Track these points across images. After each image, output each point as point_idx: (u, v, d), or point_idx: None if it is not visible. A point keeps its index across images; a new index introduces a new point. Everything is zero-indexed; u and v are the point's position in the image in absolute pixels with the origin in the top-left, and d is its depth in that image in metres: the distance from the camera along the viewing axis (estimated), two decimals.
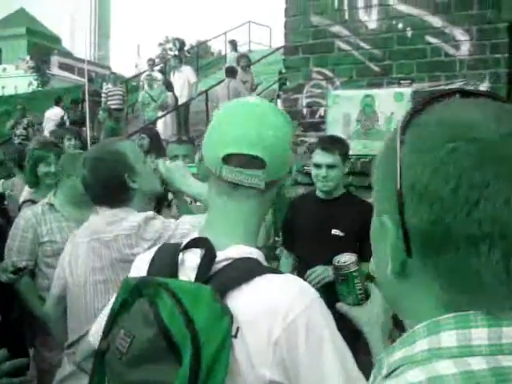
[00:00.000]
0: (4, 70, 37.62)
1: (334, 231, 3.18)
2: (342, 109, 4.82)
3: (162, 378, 1.10)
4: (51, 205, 3.39)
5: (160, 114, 12.13)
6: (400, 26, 4.60)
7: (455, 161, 0.67)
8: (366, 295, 1.56)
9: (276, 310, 1.14)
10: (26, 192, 4.29)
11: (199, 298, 1.12)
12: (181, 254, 1.29)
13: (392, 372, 0.72)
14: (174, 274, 1.26)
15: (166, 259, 1.32)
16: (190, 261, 1.27)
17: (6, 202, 3.98)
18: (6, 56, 39.13)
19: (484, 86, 4.33)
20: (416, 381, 0.66)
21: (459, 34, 4.41)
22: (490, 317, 0.69)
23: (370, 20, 4.72)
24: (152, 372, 1.12)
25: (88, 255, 2.29)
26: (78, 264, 2.34)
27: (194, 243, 1.29)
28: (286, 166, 1.35)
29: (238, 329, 1.12)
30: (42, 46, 36.60)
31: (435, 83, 4.49)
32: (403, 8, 4.58)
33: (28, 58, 33.90)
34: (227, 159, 1.26)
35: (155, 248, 1.44)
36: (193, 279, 1.21)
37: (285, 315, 1.13)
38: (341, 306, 1.49)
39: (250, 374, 1.13)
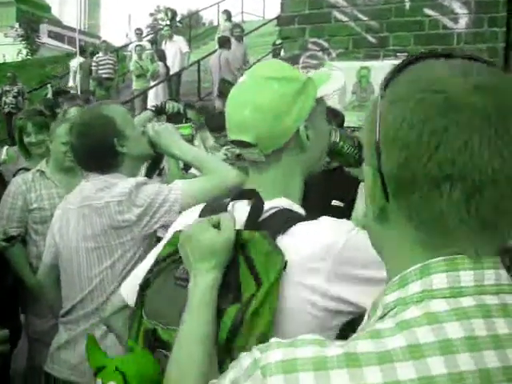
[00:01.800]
0: None
1: (335, 202, 3.16)
2: None
3: (220, 307, 1.20)
4: (42, 172, 3.35)
5: (152, 83, 12.03)
6: None
7: (421, 110, 0.75)
8: (359, 150, 1.62)
9: (322, 244, 1.23)
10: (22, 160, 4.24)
11: (254, 241, 1.23)
12: (230, 206, 1.39)
13: (387, 313, 0.78)
14: None
15: (214, 212, 1.38)
16: (239, 211, 1.35)
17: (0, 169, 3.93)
18: None
19: None
20: (412, 316, 0.74)
21: (457, 7, 4.37)
22: (473, 260, 0.77)
23: None
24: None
25: (79, 222, 2.26)
26: (68, 231, 2.31)
27: (242, 195, 1.40)
28: (281, 132, 1.35)
29: (286, 262, 1.20)
30: (31, 14, 36.01)
31: None
32: None
33: (17, 25, 33.43)
34: (232, 143, 1.44)
35: (199, 206, 1.51)
36: (242, 227, 1.30)
37: (331, 247, 1.22)
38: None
39: (300, 301, 1.22)
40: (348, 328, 1.35)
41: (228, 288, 1.22)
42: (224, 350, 1.17)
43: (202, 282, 1.21)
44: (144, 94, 12.15)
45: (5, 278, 3.19)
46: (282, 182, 1.39)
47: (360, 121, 4.64)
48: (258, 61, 14.15)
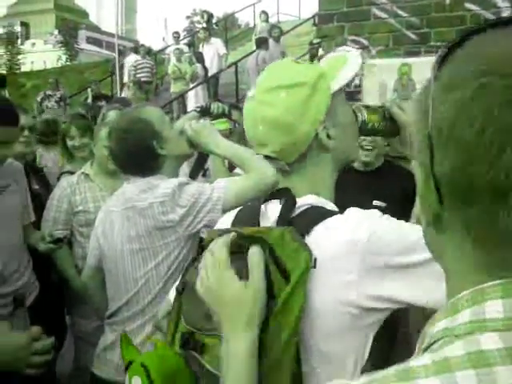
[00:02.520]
0: (33, 44, 37.83)
1: (376, 202, 3.13)
2: (378, 78, 4.72)
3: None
4: (86, 175, 3.40)
5: (190, 86, 12.13)
6: None
7: (482, 99, 0.60)
8: (385, 116, 1.56)
9: (349, 236, 1.21)
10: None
11: (282, 239, 1.21)
12: (263, 206, 1.39)
13: (431, 345, 0.65)
14: (257, 224, 1.35)
15: (249, 212, 1.43)
16: (272, 210, 1.36)
17: (44, 170, 4.02)
18: (34, 31, 39.36)
19: None
20: (456, 355, 0.59)
21: (499, 0, 4.27)
22: None
23: None
24: None
25: (123, 224, 2.29)
26: (113, 233, 2.34)
27: (275, 195, 1.39)
28: (300, 140, 1.33)
29: (315, 260, 1.19)
30: (69, 21, 36.69)
31: None
32: None
33: (56, 32, 34.06)
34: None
35: (237, 209, 1.52)
36: (274, 224, 1.30)
37: (359, 237, 1.20)
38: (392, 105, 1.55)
39: (331, 299, 1.20)
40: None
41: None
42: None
43: (236, 350, 1.11)
44: (182, 96, 12.24)
45: (50, 279, 3.24)
46: (311, 183, 1.38)
47: None
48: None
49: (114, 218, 2.34)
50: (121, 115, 2.51)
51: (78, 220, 3.28)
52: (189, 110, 11.42)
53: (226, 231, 1.32)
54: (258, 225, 1.35)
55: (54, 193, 3.36)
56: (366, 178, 3.25)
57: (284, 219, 1.29)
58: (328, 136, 1.33)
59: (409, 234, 1.20)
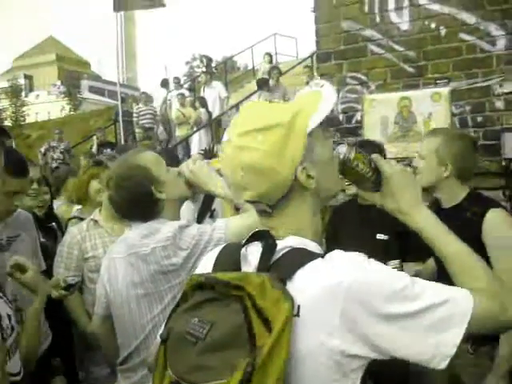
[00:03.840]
0: (37, 96, 38.38)
1: (379, 236, 3.12)
2: (378, 112, 4.80)
3: (233, 363, 1.14)
4: (95, 221, 3.42)
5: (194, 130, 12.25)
6: (433, 25, 4.58)
7: None
8: (377, 175, 1.51)
9: (333, 282, 1.20)
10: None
11: (263, 287, 1.19)
12: (243, 249, 1.37)
13: None
14: (238, 268, 1.33)
15: (230, 255, 1.40)
16: (252, 253, 1.35)
17: (53, 224, 4.03)
18: (37, 83, 39.98)
19: None
20: None
21: (494, 29, 4.37)
22: None
23: (402, 21, 4.71)
24: (226, 357, 1.17)
25: (127, 270, 2.29)
26: (118, 280, 2.34)
27: (255, 237, 1.37)
28: (280, 182, 1.33)
29: (298, 307, 1.18)
30: (71, 71, 37.28)
31: (472, 81, 4.44)
32: (435, 7, 4.56)
33: (59, 83, 34.57)
34: None
35: (220, 247, 1.51)
36: (255, 270, 1.29)
37: (342, 286, 1.19)
38: (362, 195, 1.54)
39: (316, 347, 1.20)
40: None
41: (243, 341, 1.17)
42: None
43: None
44: (186, 141, 12.35)
45: (62, 327, 3.23)
46: (293, 224, 1.38)
47: (405, 151, 4.63)
48: None
49: (118, 265, 2.35)
50: (118, 162, 2.51)
51: (89, 266, 3.28)
52: (192, 153, 11.52)
53: (208, 275, 1.32)
54: (239, 269, 1.34)
55: (64, 239, 3.38)
56: (368, 211, 3.26)
57: (265, 264, 1.28)
58: (308, 176, 1.33)
59: (393, 282, 1.21)
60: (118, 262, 2.35)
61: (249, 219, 2.14)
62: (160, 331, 1.47)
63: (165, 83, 15.33)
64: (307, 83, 12.66)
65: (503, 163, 4.27)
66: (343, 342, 1.19)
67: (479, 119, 4.41)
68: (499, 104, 4.38)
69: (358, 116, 4.96)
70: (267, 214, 1.39)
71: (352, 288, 1.19)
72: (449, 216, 2.89)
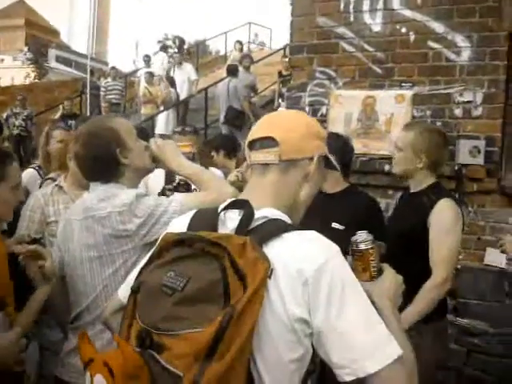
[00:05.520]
0: (1, 60, 37.44)
1: (334, 225, 3.25)
2: (343, 108, 4.94)
3: (208, 316, 1.23)
4: (60, 187, 3.49)
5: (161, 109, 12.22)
6: (403, 30, 4.74)
7: None
8: (379, 273, 1.70)
9: (306, 256, 1.34)
10: None
11: (243, 248, 1.30)
12: (221, 214, 1.50)
13: None
14: (215, 229, 1.45)
15: (205, 219, 1.52)
16: (231, 218, 1.48)
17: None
18: (3, 47, 39.03)
19: (482, 92, 4.47)
20: None
21: (460, 40, 4.55)
22: None
23: (375, 23, 4.85)
24: (200, 310, 1.26)
25: (82, 232, 2.33)
26: (73, 241, 2.39)
27: (234, 204, 1.51)
28: (302, 148, 1.57)
29: (271, 271, 1.30)
30: (40, 39, 36.47)
31: (435, 87, 4.62)
32: (407, 13, 4.71)
33: (26, 49, 33.83)
34: (250, 145, 1.61)
35: (191, 212, 1.62)
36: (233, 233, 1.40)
37: (313, 261, 1.33)
38: None
39: (282, 310, 1.31)
40: None
41: (218, 296, 1.26)
42: (206, 355, 1.20)
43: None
44: (151, 119, 12.33)
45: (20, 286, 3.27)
46: (279, 192, 1.56)
47: (365, 147, 4.79)
48: (266, 89, 14.41)
49: (74, 227, 2.39)
50: (91, 121, 2.56)
51: (50, 230, 3.34)
52: (157, 132, 11.51)
53: (184, 234, 1.43)
54: (216, 231, 1.44)
55: (27, 203, 3.43)
56: (329, 200, 3.39)
57: (243, 229, 1.40)
58: (314, 169, 1.58)
59: (355, 284, 1.37)
60: (74, 224, 2.39)
61: (208, 197, 2.24)
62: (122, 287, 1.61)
63: (164, 47, 15.28)
64: (279, 73, 12.80)
65: (456, 167, 4.49)
66: (302, 310, 1.31)
67: (438, 124, 4.58)
68: (458, 112, 4.57)
69: (323, 110, 5.10)
70: (265, 172, 1.56)
71: (322, 268, 1.32)
72: (410, 199, 3.16)
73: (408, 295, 2.88)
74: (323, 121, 5.04)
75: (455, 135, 4.55)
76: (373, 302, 1.54)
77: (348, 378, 1.30)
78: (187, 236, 1.41)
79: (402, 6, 4.72)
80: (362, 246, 1.70)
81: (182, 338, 1.24)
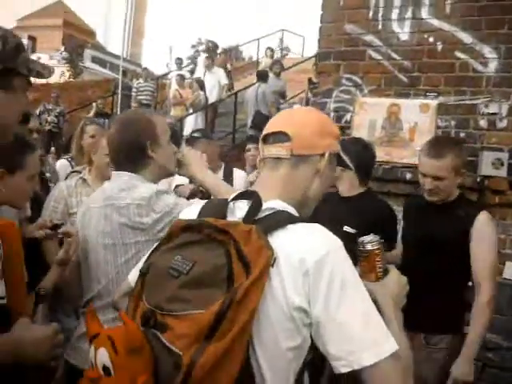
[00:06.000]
0: (38, 59, 37.92)
1: (346, 228, 3.27)
2: (368, 115, 4.96)
3: (211, 299, 1.28)
4: (84, 179, 3.57)
5: (190, 111, 12.33)
6: (431, 39, 4.74)
7: None
8: (385, 273, 1.73)
9: (308, 247, 1.38)
10: None
11: (249, 236, 1.36)
12: (231, 204, 1.56)
13: None
14: (224, 218, 1.50)
15: (215, 208, 1.57)
16: (239, 208, 1.54)
17: (47, 175, 4.16)
18: (40, 45, 39.65)
19: (508, 104, 4.45)
20: None
21: (488, 51, 4.53)
22: None
23: (403, 32, 4.86)
24: (204, 293, 1.31)
25: (99, 220, 2.39)
26: (90, 228, 2.45)
27: (244, 195, 1.56)
28: (314, 144, 1.61)
29: (275, 259, 1.34)
30: (76, 39, 37.03)
31: (460, 97, 4.61)
32: (435, 22, 4.71)
33: (62, 49, 34.36)
34: (264, 139, 1.67)
35: (201, 202, 1.68)
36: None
37: (315, 252, 1.37)
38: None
39: (283, 299, 1.35)
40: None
41: (221, 281, 1.31)
42: (206, 336, 1.25)
43: None
44: (181, 121, 12.45)
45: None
46: (288, 186, 1.60)
47: (388, 156, 4.80)
48: (295, 96, 14.45)
49: (93, 214, 2.45)
50: (131, 110, 2.64)
51: (72, 221, 3.39)
52: (185, 134, 11.61)
53: (193, 221, 1.49)
54: (225, 219, 1.49)
55: (52, 193, 3.52)
56: (343, 203, 3.41)
57: (250, 218, 1.45)
58: (325, 166, 1.62)
59: (356, 280, 1.40)
60: (93, 211, 2.45)
61: None
62: (132, 271, 1.67)
63: (208, 50, 15.49)
64: (309, 80, 12.82)
65: (478, 179, 4.47)
66: (301, 299, 1.35)
67: (462, 135, 4.58)
68: (482, 123, 4.56)
69: (348, 116, 5.12)
70: (276, 165, 1.61)
71: (323, 260, 1.36)
72: (440, 210, 3.13)
73: (434, 292, 3.01)
74: (347, 127, 5.07)
75: (479, 147, 4.54)
76: (376, 301, 1.58)
77: (344, 370, 1.33)
78: (196, 222, 1.47)
79: (431, 15, 4.73)
80: (369, 247, 1.73)
81: (184, 319, 1.29)
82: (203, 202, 1.68)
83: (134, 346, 1.28)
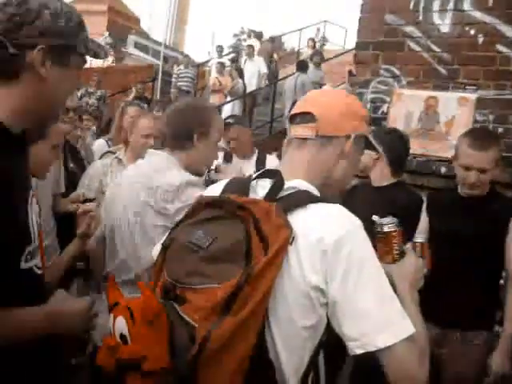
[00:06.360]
0: None
1: (374, 217, 3.24)
2: (405, 107, 4.92)
3: (228, 274, 1.31)
4: (120, 159, 3.64)
5: (228, 99, 12.38)
6: (472, 32, 4.67)
7: None
8: (401, 255, 1.74)
9: (328, 227, 1.39)
10: None
11: (268, 214, 1.37)
12: (253, 182, 1.57)
13: None
14: (246, 195, 1.52)
15: (238, 185, 1.59)
16: (262, 186, 1.55)
17: (82, 152, 4.25)
18: None
19: None
20: None
21: None
22: None
23: (443, 23, 4.80)
24: (222, 268, 1.34)
25: (128, 195, 2.45)
26: (117, 203, 2.51)
27: (266, 174, 1.58)
28: (340, 126, 1.61)
29: (293, 238, 1.36)
30: (121, 25, 37.33)
31: (500, 92, 4.54)
32: (477, 15, 4.64)
33: (107, 34, 34.73)
34: (291, 119, 1.67)
35: (226, 180, 1.70)
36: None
37: (335, 232, 1.38)
38: None
39: (300, 277, 1.36)
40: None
41: (240, 256, 1.33)
42: (222, 309, 1.28)
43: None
44: (219, 108, 12.50)
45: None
46: (312, 167, 1.61)
47: (423, 148, 4.76)
48: (336, 87, 14.38)
49: (122, 189, 2.52)
50: (196, 99, 2.69)
51: None
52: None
53: (216, 197, 1.52)
54: (247, 196, 1.52)
55: (87, 172, 3.61)
56: (376, 194, 3.39)
57: (272, 196, 1.47)
58: (350, 147, 1.63)
59: (373, 261, 1.41)
60: (123, 186, 2.52)
61: None
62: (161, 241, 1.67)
63: (258, 35, 15.49)
64: (349, 72, 12.74)
65: None
66: (318, 278, 1.36)
67: (500, 130, 4.51)
68: None
69: (384, 108, 5.09)
70: (302, 145, 1.62)
71: (342, 240, 1.36)
72: (475, 204, 3.09)
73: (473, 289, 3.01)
74: (384, 119, 5.04)
75: None
76: (393, 284, 1.58)
77: (358, 351, 1.34)
78: (218, 198, 1.50)
79: (473, 7, 4.65)
80: (386, 229, 1.75)
81: (202, 292, 1.33)
82: (226, 179, 1.70)
83: (151, 316, 1.32)
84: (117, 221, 2.50)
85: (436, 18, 4.83)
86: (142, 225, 2.39)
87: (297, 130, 1.64)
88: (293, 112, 1.68)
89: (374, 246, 1.57)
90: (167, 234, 1.61)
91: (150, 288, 1.47)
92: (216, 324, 1.27)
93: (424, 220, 3.32)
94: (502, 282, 3.15)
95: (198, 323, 1.29)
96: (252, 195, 1.53)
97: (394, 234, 1.74)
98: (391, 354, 1.33)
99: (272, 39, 16.16)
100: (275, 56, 16.17)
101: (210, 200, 1.50)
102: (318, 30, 21.08)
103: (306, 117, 1.61)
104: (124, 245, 2.46)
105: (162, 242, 1.63)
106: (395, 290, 1.50)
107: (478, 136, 3.04)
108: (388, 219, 1.76)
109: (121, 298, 1.45)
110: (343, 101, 1.65)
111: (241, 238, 1.35)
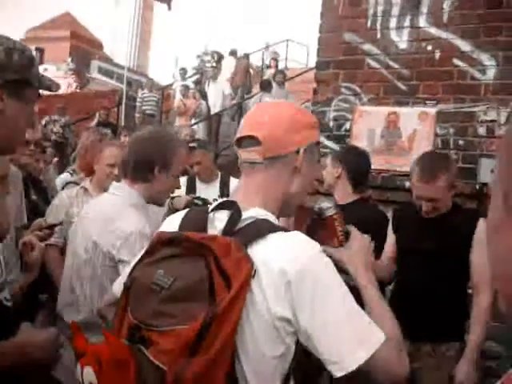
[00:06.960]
0: (45, 70, 38.13)
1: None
2: (367, 124, 4.98)
3: (193, 313, 1.29)
4: (86, 189, 3.61)
5: (193, 121, 12.39)
6: (429, 47, 4.77)
7: None
8: (347, 237, 1.74)
9: (288, 256, 1.38)
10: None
11: (228, 249, 1.35)
12: (211, 214, 1.54)
13: None
14: (204, 231, 1.49)
15: (197, 219, 1.56)
16: (219, 219, 1.51)
17: (44, 184, 4.21)
18: (47, 57, 39.85)
19: (506, 111, 4.47)
20: None
21: (486, 58, 4.56)
22: None
23: (401, 40, 4.89)
24: (186, 308, 1.32)
25: (85, 230, 2.47)
26: (76, 236, 2.53)
27: (223, 205, 1.55)
28: (286, 143, 1.56)
29: (255, 271, 1.34)
30: (83, 50, 37.24)
31: (459, 105, 4.63)
32: (433, 31, 4.75)
33: (69, 60, 34.56)
34: (237, 143, 1.62)
35: (183, 212, 1.66)
36: (221, 234, 1.44)
37: (296, 261, 1.37)
38: (325, 249, 1.57)
39: (264, 309, 1.35)
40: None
41: (203, 295, 1.31)
42: (190, 350, 1.26)
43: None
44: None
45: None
46: (267, 190, 1.57)
47: (387, 164, 4.82)
48: (300, 105, 14.48)
49: (82, 223, 2.53)
50: (161, 128, 2.68)
51: None
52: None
53: (178, 233, 1.49)
54: (206, 232, 1.49)
55: (53, 203, 3.56)
56: (360, 207, 3.40)
57: (230, 230, 1.44)
58: (302, 163, 1.58)
59: (339, 289, 1.40)
60: (84, 221, 2.53)
61: None
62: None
63: (233, 52, 15.59)
64: (315, 90, 12.85)
65: (477, 187, 4.48)
66: (284, 309, 1.35)
67: (460, 142, 4.60)
68: (481, 130, 4.57)
69: (347, 125, 5.15)
70: (251, 171, 1.57)
71: (305, 269, 1.36)
72: (439, 220, 3.11)
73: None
74: (347, 136, 5.09)
75: (477, 154, 4.55)
76: (346, 271, 1.63)
77: (340, 374, 1.34)
78: (176, 236, 1.47)
79: (429, 24, 4.76)
80: (327, 213, 1.74)
81: (168, 334, 1.31)
82: (183, 212, 1.67)
83: (118, 361, 1.30)
84: (74, 254, 2.51)
85: (393, 36, 4.92)
86: (90, 262, 2.40)
87: (244, 155, 1.60)
88: (237, 136, 1.62)
89: (315, 235, 1.57)
90: (129, 273, 1.58)
91: (113, 332, 1.45)
92: (185, 366, 1.26)
93: (391, 237, 3.35)
94: (470, 291, 3.18)
95: (167, 366, 1.27)
96: (210, 229, 1.51)
97: (335, 216, 1.74)
98: (373, 362, 1.35)
99: (246, 55, 16.25)
100: (251, 70, 16.29)
101: (168, 237, 1.47)
102: (286, 50, 21.30)
103: (251, 141, 1.56)
104: (77, 280, 2.46)
105: (122, 279, 1.60)
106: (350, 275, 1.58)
107: (425, 166, 3.03)
108: (326, 203, 1.76)
109: (87, 346, 1.41)
110: (286, 114, 1.59)
111: (203, 276, 1.33)
